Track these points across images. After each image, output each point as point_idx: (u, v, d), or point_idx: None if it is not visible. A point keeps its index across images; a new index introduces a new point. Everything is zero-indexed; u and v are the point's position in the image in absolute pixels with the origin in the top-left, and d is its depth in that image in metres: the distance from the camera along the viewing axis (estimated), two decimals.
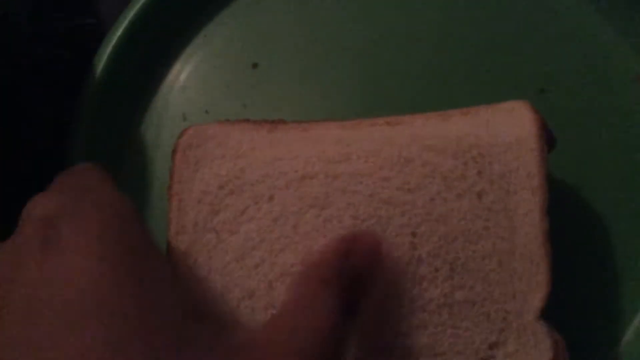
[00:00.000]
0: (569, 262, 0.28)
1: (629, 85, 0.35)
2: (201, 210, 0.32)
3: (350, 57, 0.39)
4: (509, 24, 0.38)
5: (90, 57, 0.37)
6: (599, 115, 0.35)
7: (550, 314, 0.28)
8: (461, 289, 0.28)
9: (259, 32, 0.40)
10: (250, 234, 0.31)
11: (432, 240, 0.29)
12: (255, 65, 0.40)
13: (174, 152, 0.34)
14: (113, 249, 0.21)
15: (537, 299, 0.28)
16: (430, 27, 0.38)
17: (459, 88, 0.37)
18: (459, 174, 0.30)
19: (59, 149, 0.36)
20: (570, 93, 0.36)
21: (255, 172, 0.32)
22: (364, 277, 0.26)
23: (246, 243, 0.31)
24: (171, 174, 0.33)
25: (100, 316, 0.19)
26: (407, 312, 0.28)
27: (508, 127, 0.30)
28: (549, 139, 0.30)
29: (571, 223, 0.32)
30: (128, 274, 0.21)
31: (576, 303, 0.31)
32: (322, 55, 0.39)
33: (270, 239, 0.30)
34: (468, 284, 0.28)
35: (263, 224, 0.31)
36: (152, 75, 0.40)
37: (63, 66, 0.39)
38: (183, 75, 0.40)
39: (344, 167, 0.31)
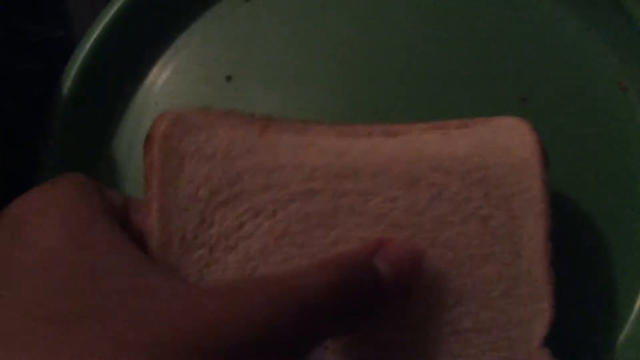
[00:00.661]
0: (561, 271, 0.29)
1: (614, 93, 0.36)
2: (189, 220, 0.29)
3: (327, 68, 0.38)
4: (488, 32, 0.37)
5: (61, 70, 0.36)
6: (583, 125, 0.35)
7: None
8: (468, 316, 0.28)
9: (231, 43, 0.39)
10: (251, 253, 0.28)
11: (440, 265, 0.28)
12: (229, 78, 0.38)
13: (149, 141, 0.29)
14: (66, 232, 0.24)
15: (541, 325, 0.28)
16: (410, 36, 0.38)
17: (438, 97, 0.37)
18: (465, 197, 0.29)
19: (27, 164, 0.34)
20: (552, 102, 0.36)
21: (253, 181, 0.29)
22: (388, 284, 0.25)
23: (247, 263, 0.28)
24: (148, 169, 0.29)
25: (49, 272, 0.22)
26: (416, 339, 0.27)
27: (510, 149, 0.30)
28: (544, 159, 0.30)
29: (559, 233, 0.32)
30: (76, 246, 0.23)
31: (569, 310, 0.31)
32: (298, 66, 0.38)
33: (274, 261, 0.28)
34: (474, 310, 0.28)
35: (266, 241, 0.28)
36: (123, 89, 0.38)
37: (32, 79, 0.37)
38: (155, 88, 0.38)
39: (351, 184, 0.29)
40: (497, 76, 0.36)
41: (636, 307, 0.33)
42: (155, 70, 0.39)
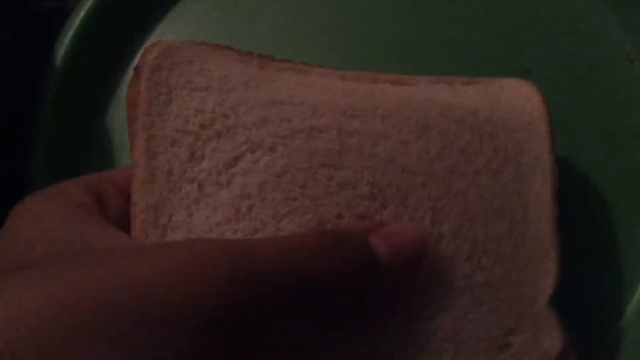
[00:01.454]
0: (568, 243, 0.28)
1: (619, 65, 0.35)
2: (177, 154, 0.25)
3: (326, 36, 0.35)
4: (493, 4, 0.36)
5: (54, 44, 0.34)
6: (588, 97, 0.34)
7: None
8: (481, 271, 0.26)
9: (230, 11, 0.36)
10: (247, 190, 0.25)
11: (452, 216, 0.26)
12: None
13: (136, 71, 0.27)
14: None
15: (547, 285, 0.27)
16: (413, 6, 0.36)
17: (442, 69, 0.34)
18: (477, 149, 0.28)
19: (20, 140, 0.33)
20: (557, 74, 0.35)
21: (250, 114, 0.26)
22: (385, 264, 0.23)
23: (242, 201, 0.25)
24: (132, 102, 0.26)
25: None
26: (430, 293, 0.25)
27: (518, 106, 0.29)
28: (550, 120, 0.29)
29: (566, 200, 0.30)
30: None
31: (577, 281, 0.30)
32: (297, 34, 0.36)
33: (273, 199, 0.25)
34: (487, 265, 0.26)
35: (263, 179, 0.25)
36: (119, 59, 0.35)
37: (23, 55, 0.35)
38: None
39: (358, 124, 0.27)
40: (501, 48, 0.35)
41: None
42: (152, 38, 0.36)
